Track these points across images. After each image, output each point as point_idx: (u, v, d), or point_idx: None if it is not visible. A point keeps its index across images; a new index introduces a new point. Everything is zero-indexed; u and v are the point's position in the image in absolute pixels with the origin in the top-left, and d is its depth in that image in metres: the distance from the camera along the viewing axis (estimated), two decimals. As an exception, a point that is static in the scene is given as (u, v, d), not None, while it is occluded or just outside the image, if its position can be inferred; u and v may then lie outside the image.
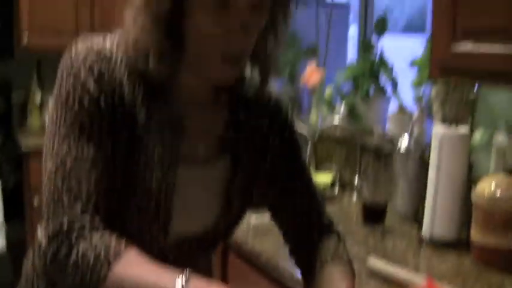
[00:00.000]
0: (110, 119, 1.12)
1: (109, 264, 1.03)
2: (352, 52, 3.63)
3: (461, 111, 2.11)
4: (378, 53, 2.75)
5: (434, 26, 1.76)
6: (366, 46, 2.74)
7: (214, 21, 1.07)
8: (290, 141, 1.35)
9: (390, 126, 2.54)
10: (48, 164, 1.10)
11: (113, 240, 1.06)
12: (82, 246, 1.05)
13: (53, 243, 1.07)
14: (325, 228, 1.36)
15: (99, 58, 1.13)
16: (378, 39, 2.76)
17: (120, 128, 1.13)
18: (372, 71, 2.70)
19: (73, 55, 1.13)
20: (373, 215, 2.16)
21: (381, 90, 2.73)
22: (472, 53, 1.64)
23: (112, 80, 1.13)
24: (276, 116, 1.34)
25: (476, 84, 2.11)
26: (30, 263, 1.34)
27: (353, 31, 3.77)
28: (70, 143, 1.10)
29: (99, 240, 1.05)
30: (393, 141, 2.37)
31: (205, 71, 1.15)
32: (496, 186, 1.77)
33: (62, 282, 1.11)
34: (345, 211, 2.44)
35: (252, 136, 1.30)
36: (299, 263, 1.36)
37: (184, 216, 1.22)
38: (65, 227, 1.06)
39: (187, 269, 1.02)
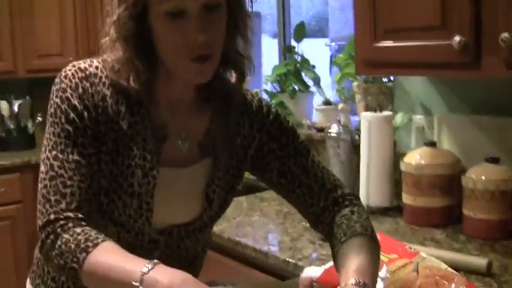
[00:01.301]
0: (93, 129, 1.27)
1: (87, 252, 1.17)
2: (266, 57, 3.96)
3: (381, 99, 2.48)
4: (300, 55, 3.11)
5: (357, 28, 2.06)
6: (288, 49, 3.09)
7: (173, 28, 1.19)
8: (281, 131, 1.43)
9: (318, 118, 2.89)
10: (41, 168, 1.27)
11: (92, 233, 1.20)
12: (65, 236, 1.19)
13: (42, 234, 1.23)
14: (341, 199, 1.41)
15: (84, 77, 1.28)
16: (298, 43, 3.11)
17: (104, 135, 1.28)
18: (296, 70, 3.05)
19: (62, 75, 1.29)
20: None
21: (305, 87, 3.08)
22: (392, 49, 1.94)
23: (95, 96, 1.27)
24: (256, 115, 1.43)
25: (392, 76, 2.49)
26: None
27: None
28: (57, 150, 1.25)
29: (81, 232, 1.20)
30: (323, 130, 2.70)
31: (180, 74, 1.26)
32: (421, 156, 2.15)
33: (50, 267, 1.28)
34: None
35: (232, 138, 1.41)
36: (324, 236, 1.44)
37: (166, 212, 1.36)
38: (52, 220, 1.21)
39: (156, 260, 1.13)
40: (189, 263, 1.46)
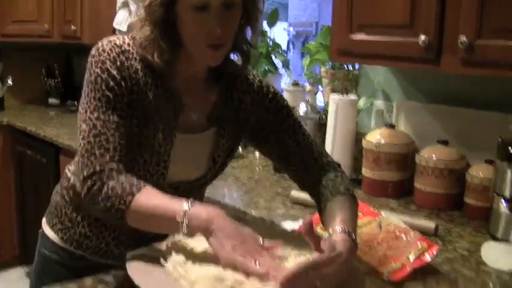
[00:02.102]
0: (128, 97, 1.45)
1: (132, 195, 1.34)
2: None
3: (346, 84, 2.78)
4: (271, 38, 3.39)
5: (335, 21, 2.32)
6: (262, 33, 3.36)
7: (196, 20, 1.38)
8: (278, 108, 1.64)
9: (286, 98, 3.15)
10: (82, 127, 1.43)
11: (134, 180, 1.38)
12: (111, 183, 1.36)
13: (88, 182, 1.38)
14: (326, 166, 1.63)
15: (121, 52, 1.46)
16: (271, 28, 3.39)
17: (136, 103, 1.46)
18: (268, 53, 3.33)
19: (100, 48, 1.46)
20: None
21: (275, 69, 3.37)
22: (364, 42, 2.21)
23: (130, 69, 1.46)
24: (257, 93, 1.63)
25: (357, 64, 2.79)
26: (59, 195, 1.71)
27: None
28: (99, 112, 1.42)
29: (125, 179, 1.37)
30: (291, 109, 2.98)
31: (197, 56, 1.46)
32: (381, 136, 2.46)
33: (94, 210, 1.42)
34: (254, 164, 3.04)
35: (235, 112, 1.61)
36: (311, 196, 1.64)
37: (178, 169, 1.56)
38: (98, 170, 1.38)
39: (191, 198, 1.33)
40: None
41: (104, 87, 1.44)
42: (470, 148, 2.35)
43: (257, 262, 1.23)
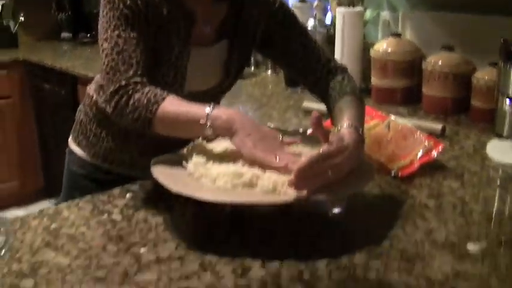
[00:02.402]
0: (145, 14, 1.50)
1: (158, 104, 1.40)
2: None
3: (352, -3, 2.82)
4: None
5: None
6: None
7: None
8: (285, 16, 1.70)
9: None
10: (104, 45, 1.48)
11: (158, 90, 1.43)
12: (137, 95, 1.43)
13: (116, 97, 1.44)
14: (334, 70, 1.69)
15: None
16: None
17: (152, 19, 1.51)
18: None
19: None
20: (293, 79, 2.80)
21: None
22: None
23: None
24: (264, 5, 1.68)
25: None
26: (82, 113, 1.80)
27: None
28: (120, 30, 1.48)
29: (149, 91, 1.43)
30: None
31: None
32: (388, 45, 2.53)
33: (123, 122, 1.48)
34: (266, 81, 3.13)
35: (245, 24, 1.66)
36: (320, 98, 1.71)
37: (195, 81, 1.63)
38: (123, 85, 1.44)
39: (213, 103, 1.39)
40: None
41: (121, 5, 1.48)
42: (475, 53, 2.41)
43: (277, 157, 1.33)
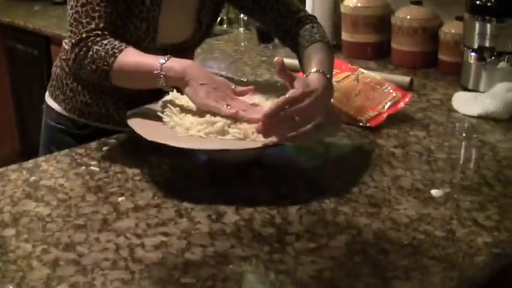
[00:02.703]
0: None
1: (114, 56, 1.44)
2: None
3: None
4: None
5: None
6: None
7: None
8: None
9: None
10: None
11: (116, 42, 1.47)
12: (95, 47, 1.46)
13: (76, 48, 1.49)
14: (304, 19, 1.71)
15: None
16: None
17: None
18: None
19: None
20: (265, 35, 2.86)
21: None
22: None
23: None
24: None
25: None
26: (58, 68, 1.80)
27: None
28: None
29: (108, 43, 1.47)
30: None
31: None
32: (358, 0, 2.56)
33: (82, 74, 1.54)
34: (239, 38, 3.16)
35: None
36: (291, 47, 1.73)
37: (167, 33, 1.64)
38: (84, 37, 1.48)
39: (169, 55, 1.42)
40: None
41: None
42: (442, 7, 2.46)
43: (228, 106, 1.37)
